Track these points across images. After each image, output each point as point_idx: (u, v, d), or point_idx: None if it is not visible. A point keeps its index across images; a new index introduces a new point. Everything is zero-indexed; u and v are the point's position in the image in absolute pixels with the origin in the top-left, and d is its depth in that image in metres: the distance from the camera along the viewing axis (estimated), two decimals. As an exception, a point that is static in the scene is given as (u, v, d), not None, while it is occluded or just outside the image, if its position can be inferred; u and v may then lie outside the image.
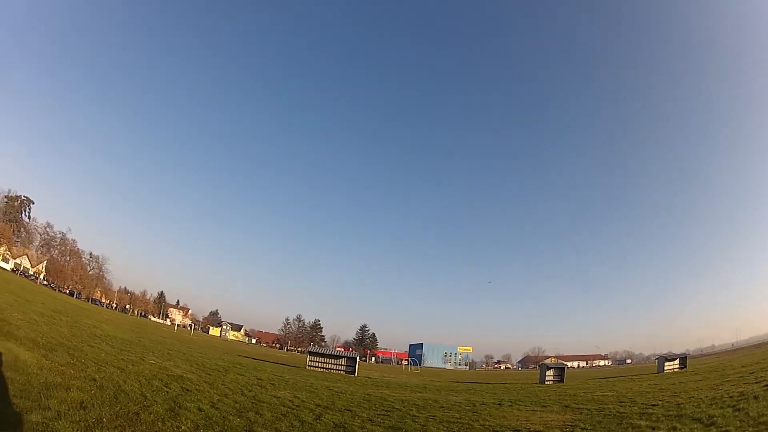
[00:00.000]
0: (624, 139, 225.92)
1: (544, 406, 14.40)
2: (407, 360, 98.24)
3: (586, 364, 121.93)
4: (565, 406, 13.82)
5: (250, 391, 12.93)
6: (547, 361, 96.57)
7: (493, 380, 39.69)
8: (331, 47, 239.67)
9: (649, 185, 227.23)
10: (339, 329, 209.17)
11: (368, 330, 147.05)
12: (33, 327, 14.80)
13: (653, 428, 8.94)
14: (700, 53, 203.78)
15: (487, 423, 10.83)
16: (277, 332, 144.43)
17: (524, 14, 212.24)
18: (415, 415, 11.72)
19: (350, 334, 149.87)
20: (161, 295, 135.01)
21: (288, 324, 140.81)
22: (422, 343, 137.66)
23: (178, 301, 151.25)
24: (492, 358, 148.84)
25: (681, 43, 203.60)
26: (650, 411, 11.28)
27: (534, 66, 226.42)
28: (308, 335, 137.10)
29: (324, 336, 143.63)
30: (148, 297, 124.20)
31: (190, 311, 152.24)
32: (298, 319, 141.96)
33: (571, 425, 10.01)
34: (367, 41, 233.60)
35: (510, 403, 15.41)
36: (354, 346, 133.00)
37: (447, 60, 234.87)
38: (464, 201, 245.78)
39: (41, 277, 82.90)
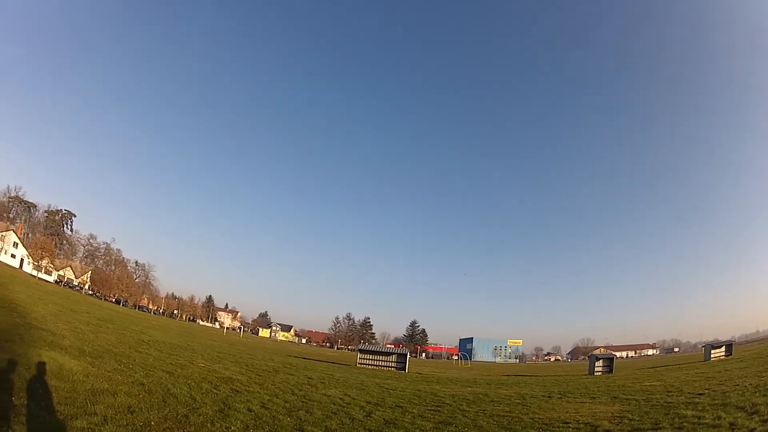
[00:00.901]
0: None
1: (593, 397, 14.93)
2: (458, 355, 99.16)
3: (635, 353, 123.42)
4: (614, 397, 14.28)
5: (300, 391, 13.35)
6: (596, 351, 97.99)
7: (542, 373, 40.88)
8: (354, 46, 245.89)
9: (689, 170, 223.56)
10: (389, 326, 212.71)
11: (418, 326, 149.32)
12: (78, 336, 15.96)
13: (699, 417, 9.27)
14: (703, 54, 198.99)
15: (537, 416, 11.08)
16: (327, 331, 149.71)
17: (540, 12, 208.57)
18: (465, 410, 12.14)
19: (400, 331, 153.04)
20: (209, 299, 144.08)
21: (338, 323, 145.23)
22: (472, 338, 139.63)
23: (226, 304, 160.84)
24: (542, 350, 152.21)
25: (685, 43, 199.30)
26: (696, 400, 11.85)
27: (544, 64, 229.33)
28: (358, 333, 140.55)
29: (374, 333, 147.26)
30: (196, 302, 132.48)
31: (239, 314, 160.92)
32: (348, 317, 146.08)
33: (620, 416, 10.34)
34: (382, 39, 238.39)
35: (559, 396, 15.94)
36: (404, 343, 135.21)
37: (458, 57, 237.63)
38: (512, 196, 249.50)
39: (86, 287, 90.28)
